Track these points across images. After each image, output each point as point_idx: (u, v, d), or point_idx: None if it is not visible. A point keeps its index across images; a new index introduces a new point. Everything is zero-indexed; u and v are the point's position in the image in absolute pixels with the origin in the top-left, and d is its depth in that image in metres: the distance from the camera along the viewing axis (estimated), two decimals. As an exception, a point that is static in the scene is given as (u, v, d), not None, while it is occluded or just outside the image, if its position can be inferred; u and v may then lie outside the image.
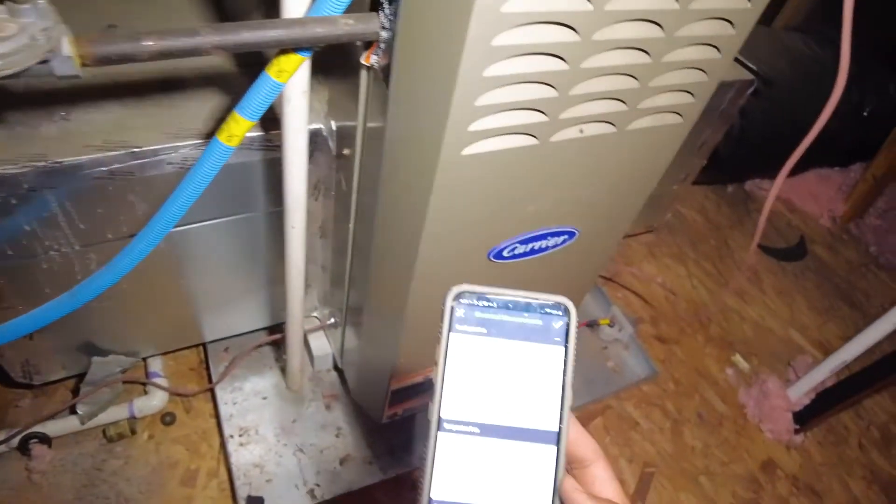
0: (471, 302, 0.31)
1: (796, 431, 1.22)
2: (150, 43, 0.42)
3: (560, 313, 0.31)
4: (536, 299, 0.31)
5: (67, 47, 0.39)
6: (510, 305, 0.31)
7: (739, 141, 1.39)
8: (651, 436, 1.15)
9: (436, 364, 0.30)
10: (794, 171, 1.78)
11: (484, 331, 0.31)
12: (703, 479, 1.12)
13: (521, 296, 0.31)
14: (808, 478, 1.17)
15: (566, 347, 0.31)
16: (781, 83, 1.30)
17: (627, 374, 1.20)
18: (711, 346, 1.34)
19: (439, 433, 0.29)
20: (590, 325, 1.24)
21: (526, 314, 0.31)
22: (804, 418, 1.22)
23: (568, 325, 0.31)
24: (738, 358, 1.33)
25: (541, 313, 0.31)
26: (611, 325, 1.23)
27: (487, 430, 0.30)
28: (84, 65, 0.41)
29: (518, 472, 0.30)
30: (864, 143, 1.68)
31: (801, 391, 1.24)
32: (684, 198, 1.68)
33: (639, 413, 1.18)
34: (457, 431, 0.30)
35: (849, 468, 1.21)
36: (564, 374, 0.30)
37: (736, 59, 1.08)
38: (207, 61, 0.78)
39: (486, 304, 0.31)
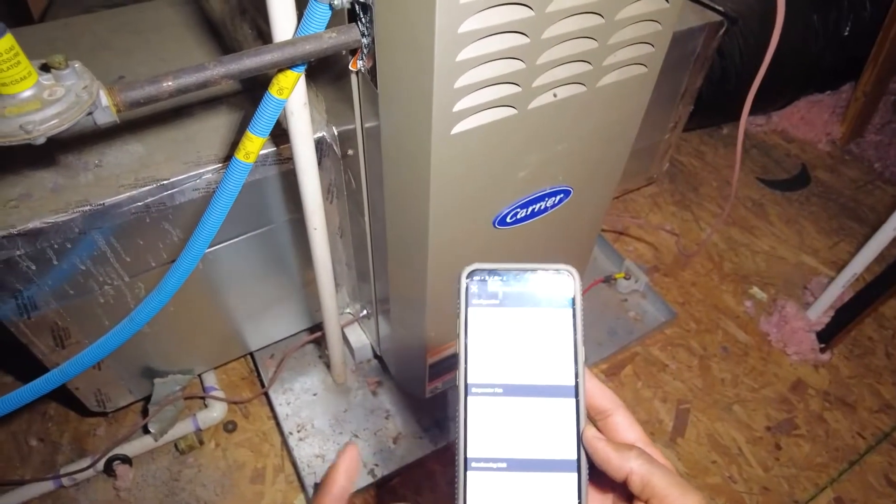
0: (482, 277, 0.33)
1: (821, 350, 1.26)
2: (170, 83, 0.50)
3: (564, 279, 0.33)
4: (542, 268, 0.33)
5: (105, 99, 0.46)
6: (519, 277, 0.33)
7: (722, 81, 1.43)
8: (680, 374, 1.21)
9: (457, 336, 0.33)
10: (786, 102, 1.82)
11: (497, 302, 0.33)
12: (737, 407, 1.17)
13: (527, 267, 0.33)
14: (838, 391, 1.21)
15: (574, 309, 0.33)
16: (752, 18, 1.33)
17: (649, 321, 1.26)
18: (727, 283, 1.38)
19: (468, 397, 0.32)
20: (606, 280, 1.29)
21: (535, 282, 0.33)
22: (827, 336, 1.27)
23: (573, 288, 0.33)
24: (754, 290, 1.38)
25: (547, 281, 0.33)
26: (626, 278, 1.28)
27: (511, 391, 0.32)
28: (119, 111, 0.48)
29: (544, 426, 0.32)
30: (850, 63, 1.70)
31: (820, 310, 1.27)
32: (680, 146, 1.72)
33: (665, 355, 1.23)
34: (483, 394, 0.32)
35: (878, 376, 1.25)
36: (575, 333, 0.33)
37: (701, 3, 1.13)
38: (209, 93, 0.85)
39: (496, 278, 0.33)
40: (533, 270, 0.33)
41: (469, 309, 0.33)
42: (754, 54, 1.43)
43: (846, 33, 1.60)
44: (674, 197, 1.58)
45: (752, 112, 1.78)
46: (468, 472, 0.31)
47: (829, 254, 1.47)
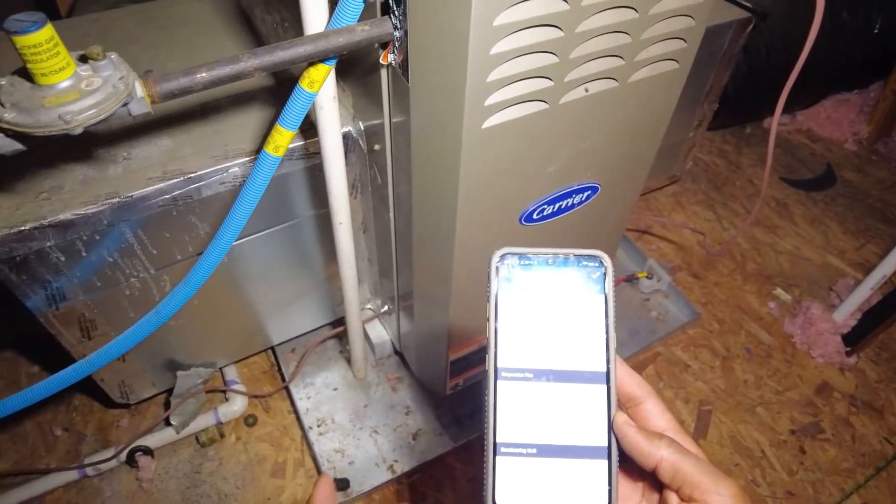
0: (514, 261, 0.33)
1: (847, 353, 1.24)
2: (203, 74, 0.50)
3: (596, 265, 0.33)
4: (573, 254, 0.33)
5: (140, 90, 0.46)
6: (550, 262, 0.33)
7: (747, 80, 1.40)
8: (703, 375, 1.19)
9: (487, 320, 0.32)
10: (812, 100, 1.79)
11: (529, 286, 0.33)
12: (760, 409, 1.15)
13: (558, 252, 0.33)
14: (865, 395, 1.19)
15: (605, 295, 0.33)
16: (779, 14, 1.31)
17: (671, 321, 1.24)
18: (750, 283, 1.37)
19: (498, 381, 0.32)
20: (629, 279, 1.28)
21: (565, 268, 0.33)
22: (854, 339, 1.24)
23: (605, 274, 0.33)
24: (778, 291, 1.35)
25: (578, 266, 0.33)
26: (649, 277, 1.27)
27: (541, 375, 0.32)
28: (153, 102, 0.48)
29: (574, 412, 0.32)
30: (879, 61, 1.66)
31: (847, 312, 1.25)
32: (703, 145, 1.70)
33: (688, 355, 1.22)
34: (512, 378, 0.32)
35: (906, 381, 1.22)
36: (607, 319, 0.33)
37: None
38: (236, 89, 0.85)
39: (527, 262, 0.33)
40: (565, 255, 0.33)
41: (499, 293, 0.33)
42: (781, 52, 1.41)
43: (876, 30, 1.56)
44: (697, 196, 1.56)
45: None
46: (497, 458, 0.31)
47: (856, 255, 1.45)
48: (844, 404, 1.17)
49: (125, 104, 0.46)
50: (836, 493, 1.05)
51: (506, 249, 0.33)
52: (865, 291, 1.21)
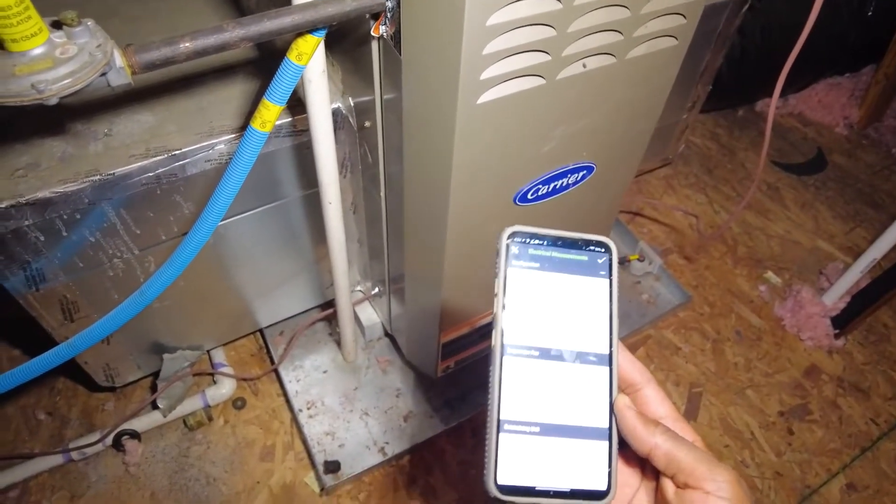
0: (523, 240, 0.33)
1: (836, 336, 1.25)
2: (187, 44, 0.47)
3: (602, 250, 0.34)
4: (581, 238, 0.34)
5: (119, 59, 0.44)
6: (559, 243, 0.34)
7: (741, 61, 1.39)
8: (693, 358, 1.19)
9: (496, 296, 0.32)
10: (804, 84, 1.78)
11: (537, 265, 0.33)
12: (750, 391, 1.16)
13: (567, 235, 0.34)
14: (853, 377, 1.20)
15: (610, 280, 0.34)
16: (776, -4, 1.30)
17: (662, 304, 1.24)
18: (741, 266, 1.37)
19: (504, 357, 0.32)
20: (620, 262, 1.27)
21: (573, 251, 0.34)
22: (842, 322, 1.25)
23: (610, 260, 0.34)
24: (769, 274, 1.36)
25: (586, 250, 0.34)
26: (640, 260, 1.27)
27: (546, 354, 0.32)
28: (134, 73, 0.46)
29: (576, 392, 0.32)
30: (872, 45, 1.66)
31: (836, 296, 1.26)
32: (695, 127, 1.69)
33: (678, 338, 1.22)
34: (518, 355, 0.32)
35: (892, 363, 1.23)
36: (611, 303, 0.33)
37: (727, -21, 1.09)
38: (220, 61, 0.83)
39: (537, 241, 0.33)
40: (573, 239, 0.34)
41: (508, 269, 0.33)
42: (775, 34, 1.40)
43: (870, 13, 1.55)
44: (688, 179, 1.55)
45: (770, 94, 1.74)
46: (500, 434, 0.31)
47: (845, 239, 1.45)
48: (832, 386, 1.18)
49: (103, 74, 0.43)
50: (823, 473, 1.06)
51: (516, 227, 0.33)
52: (855, 275, 1.21)
